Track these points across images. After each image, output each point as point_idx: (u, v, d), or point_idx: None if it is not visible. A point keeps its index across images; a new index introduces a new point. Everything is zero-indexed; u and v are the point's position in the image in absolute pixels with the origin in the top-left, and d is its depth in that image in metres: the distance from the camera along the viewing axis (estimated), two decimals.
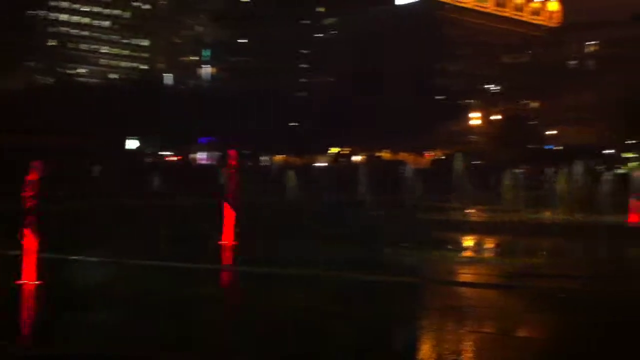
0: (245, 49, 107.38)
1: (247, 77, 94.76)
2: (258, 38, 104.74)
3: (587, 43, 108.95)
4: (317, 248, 17.55)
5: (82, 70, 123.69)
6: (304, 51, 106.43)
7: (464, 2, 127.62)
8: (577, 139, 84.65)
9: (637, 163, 77.45)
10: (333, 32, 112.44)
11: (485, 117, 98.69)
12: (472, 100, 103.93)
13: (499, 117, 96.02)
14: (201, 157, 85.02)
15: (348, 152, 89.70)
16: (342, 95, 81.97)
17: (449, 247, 19.08)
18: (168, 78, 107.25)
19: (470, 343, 9.80)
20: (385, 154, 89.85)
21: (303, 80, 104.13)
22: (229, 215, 17.54)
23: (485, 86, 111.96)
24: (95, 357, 8.75)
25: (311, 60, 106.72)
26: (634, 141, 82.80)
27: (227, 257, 17.00)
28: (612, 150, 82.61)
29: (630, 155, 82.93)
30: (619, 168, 72.85)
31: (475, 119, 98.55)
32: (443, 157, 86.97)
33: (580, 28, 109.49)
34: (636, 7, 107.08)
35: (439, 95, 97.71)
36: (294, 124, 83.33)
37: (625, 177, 43.07)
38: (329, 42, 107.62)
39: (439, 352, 9.36)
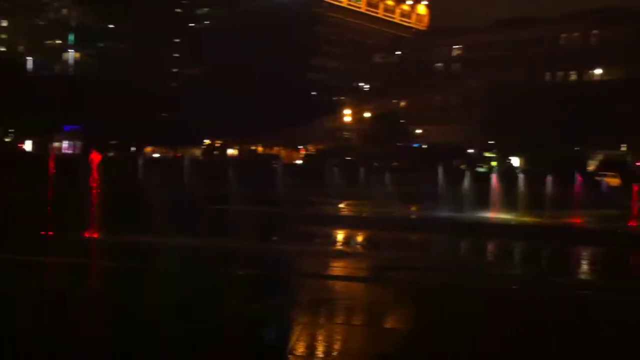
0: (114, 34, 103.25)
1: (116, 64, 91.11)
2: (127, 24, 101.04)
3: (454, 47, 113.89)
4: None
5: None
6: (176, 40, 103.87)
7: (339, 1, 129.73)
8: (443, 138, 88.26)
9: (496, 162, 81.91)
10: (206, 22, 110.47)
11: (357, 115, 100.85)
12: (344, 98, 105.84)
13: (370, 114, 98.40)
14: (65, 146, 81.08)
15: (220, 144, 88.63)
16: (216, 87, 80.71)
17: (315, 240, 19.06)
18: (29, 62, 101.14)
19: (337, 335, 9.82)
20: (260, 148, 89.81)
21: (175, 70, 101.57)
22: None
23: (358, 84, 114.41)
24: None
25: (184, 50, 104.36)
26: (492, 142, 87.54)
27: None
28: (472, 150, 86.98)
29: (490, 154, 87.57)
30: (481, 166, 76.80)
31: (347, 115, 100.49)
32: (314, 153, 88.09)
33: (446, 32, 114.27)
34: (497, 14, 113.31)
35: (312, 91, 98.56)
36: (164, 114, 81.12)
37: (486, 175, 45.51)
38: (202, 32, 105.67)
39: (305, 345, 9.28)
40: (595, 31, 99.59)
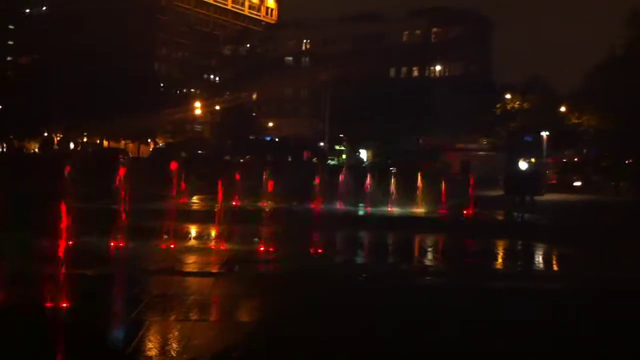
0: None
1: None
2: None
3: (304, 40, 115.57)
4: None
5: None
6: (10, 27, 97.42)
7: None
8: (294, 131, 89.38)
9: (345, 156, 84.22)
10: (42, 8, 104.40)
11: (208, 107, 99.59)
12: (194, 90, 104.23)
13: (220, 107, 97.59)
14: None
15: (60, 137, 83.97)
16: (53, 76, 76.21)
17: (161, 236, 18.56)
18: None
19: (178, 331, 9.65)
20: (106, 142, 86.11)
21: (9, 58, 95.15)
22: None
23: (208, 76, 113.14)
24: None
25: (19, 37, 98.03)
26: (342, 135, 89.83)
27: None
28: (322, 144, 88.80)
29: (340, 147, 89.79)
30: (332, 159, 78.65)
31: (197, 108, 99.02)
32: (163, 146, 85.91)
33: (294, 26, 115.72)
34: (341, 8, 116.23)
35: (159, 82, 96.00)
36: None
37: (336, 168, 46.62)
38: (38, 18, 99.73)
39: (145, 342, 9.01)
40: (435, 29, 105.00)
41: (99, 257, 15.05)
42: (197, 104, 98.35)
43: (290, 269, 15.02)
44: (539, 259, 18.94)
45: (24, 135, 78.24)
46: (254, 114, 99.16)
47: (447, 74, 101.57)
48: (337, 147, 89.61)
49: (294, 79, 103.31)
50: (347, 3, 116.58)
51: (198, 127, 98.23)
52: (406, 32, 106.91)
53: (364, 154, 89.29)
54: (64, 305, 10.28)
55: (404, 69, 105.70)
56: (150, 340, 9.23)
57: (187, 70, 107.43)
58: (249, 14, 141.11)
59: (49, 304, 10.27)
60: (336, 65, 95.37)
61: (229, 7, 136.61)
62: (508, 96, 78.70)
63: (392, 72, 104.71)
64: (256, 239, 17.50)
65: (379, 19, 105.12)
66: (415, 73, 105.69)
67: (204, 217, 23.81)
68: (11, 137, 76.89)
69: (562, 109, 73.19)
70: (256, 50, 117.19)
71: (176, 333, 9.64)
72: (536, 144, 67.79)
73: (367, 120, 79.86)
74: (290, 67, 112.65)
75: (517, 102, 77.23)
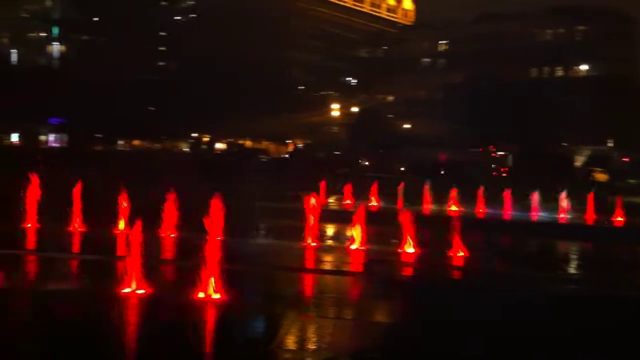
0: (99, 27, 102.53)
1: (101, 57, 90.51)
2: (112, 17, 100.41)
3: (440, 41, 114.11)
4: None
5: None
6: (162, 33, 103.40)
7: None
8: (428, 133, 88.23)
9: None
10: (192, 15, 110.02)
11: (342, 109, 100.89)
12: (328, 92, 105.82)
13: (355, 109, 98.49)
14: (51, 139, 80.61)
15: (208, 139, 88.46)
16: (199, 81, 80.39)
17: (297, 235, 19.09)
18: (13, 54, 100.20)
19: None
20: (247, 142, 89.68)
21: (161, 63, 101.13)
22: None
23: (344, 78, 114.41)
24: None
25: (169, 43, 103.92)
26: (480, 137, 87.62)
27: None
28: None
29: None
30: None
31: (333, 110, 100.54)
32: (300, 147, 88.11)
33: (430, 26, 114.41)
34: (480, 6, 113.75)
35: (297, 85, 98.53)
36: (151, 108, 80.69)
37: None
38: (187, 25, 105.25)
39: (286, 338, 9.49)
40: (576, 27, 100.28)
41: (243, 254, 15.83)
42: (333, 106, 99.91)
43: (428, 274, 15.01)
44: None
45: (175, 136, 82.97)
46: (389, 116, 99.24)
47: (594, 73, 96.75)
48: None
49: (429, 80, 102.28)
50: (484, 2, 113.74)
51: (334, 129, 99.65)
52: (548, 31, 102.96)
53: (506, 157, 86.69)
54: (215, 297, 10.99)
55: (546, 69, 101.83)
56: (290, 336, 9.65)
57: (323, 73, 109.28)
58: (385, 16, 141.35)
59: (199, 297, 11.00)
60: (473, 66, 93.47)
61: (366, 9, 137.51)
62: None
63: (534, 72, 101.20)
64: (395, 241, 17.53)
65: (517, 17, 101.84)
66: (560, 73, 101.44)
67: (342, 217, 24.16)
68: (163, 138, 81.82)
69: None
70: (391, 52, 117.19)
71: (315, 330, 10.01)
72: None
73: (508, 122, 77.64)
74: (425, 68, 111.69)
75: None
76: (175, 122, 75.74)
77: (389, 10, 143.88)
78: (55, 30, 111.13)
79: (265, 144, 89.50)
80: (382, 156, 71.16)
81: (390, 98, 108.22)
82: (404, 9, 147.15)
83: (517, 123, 77.38)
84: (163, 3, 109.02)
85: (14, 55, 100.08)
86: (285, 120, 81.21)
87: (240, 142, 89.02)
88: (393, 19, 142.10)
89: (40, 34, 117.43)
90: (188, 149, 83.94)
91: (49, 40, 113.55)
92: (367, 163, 69.70)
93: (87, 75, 77.24)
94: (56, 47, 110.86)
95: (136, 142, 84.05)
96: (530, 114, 78.93)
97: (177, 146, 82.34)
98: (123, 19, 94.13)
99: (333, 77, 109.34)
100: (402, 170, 58.23)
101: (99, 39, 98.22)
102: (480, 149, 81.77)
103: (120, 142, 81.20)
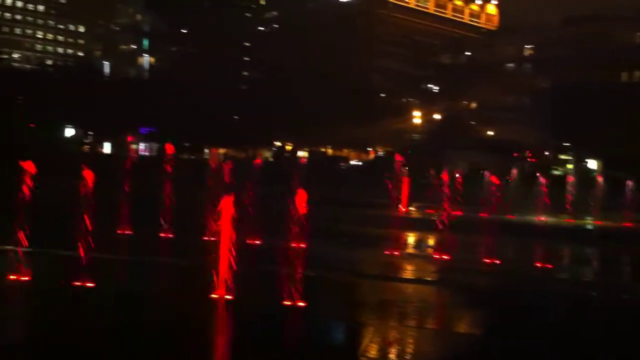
0: (186, 39, 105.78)
1: (187, 67, 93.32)
2: (198, 28, 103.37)
3: (525, 45, 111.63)
4: None
5: (16, 56, 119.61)
6: (247, 44, 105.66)
7: (406, 2, 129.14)
8: (514, 140, 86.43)
9: (572, 166, 79.85)
10: (275, 25, 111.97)
11: (424, 116, 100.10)
12: (410, 99, 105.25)
13: (439, 116, 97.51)
14: (141, 147, 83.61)
15: (291, 147, 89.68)
16: (282, 90, 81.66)
17: (379, 243, 19.14)
18: (106, 66, 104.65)
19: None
20: (329, 150, 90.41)
21: (245, 73, 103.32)
22: None
23: (425, 85, 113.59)
24: None
25: (252, 53, 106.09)
26: (567, 144, 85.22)
27: None
28: (547, 152, 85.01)
29: (565, 157, 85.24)
30: (556, 169, 75.03)
31: (415, 117, 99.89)
32: (381, 154, 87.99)
33: (514, 31, 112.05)
34: (566, 9, 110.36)
35: (378, 93, 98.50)
36: (235, 117, 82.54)
37: (561, 179, 44.62)
38: (270, 35, 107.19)
39: (369, 345, 9.60)
40: None
41: (324, 261, 16.01)
42: (415, 114, 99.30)
43: (511, 283, 14.81)
44: None
45: (258, 144, 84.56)
46: (472, 122, 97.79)
47: None
48: (561, 157, 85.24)
49: (514, 86, 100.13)
50: (570, 5, 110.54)
51: (416, 136, 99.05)
52: (639, 33, 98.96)
53: (593, 164, 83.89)
54: (300, 304, 11.21)
55: (637, 73, 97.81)
56: (373, 344, 9.76)
57: (405, 80, 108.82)
58: (468, 22, 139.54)
59: (285, 302, 11.23)
60: (559, 71, 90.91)
61: (448, 15, 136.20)
62: None
63: (624, 76, 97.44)
64: (479, 249, 17.34)
65: (604, 20, 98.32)
66: None
67: (423, 225, 24.06)
68: (247, 146, 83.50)
69: None
70: (475, 58, 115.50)
71: (397, 338, 10.07)
72: None
73: (599, 128, 75.03)
74: (510, 73, 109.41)
75: None
76: (259, 130, 77.13)
77: (472, 15, 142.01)
78: (145, 43, 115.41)
79: (346, 152, 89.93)
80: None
81: (474, 104, 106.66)
82: (487, 14, 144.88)
83: (606, 130, 74.68)
84: (247, 15, 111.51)
85: (106, 67, 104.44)
86: (367, 127, 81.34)
87: (322, 149, 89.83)
88: (476, 25, 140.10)
89: (131, 46, 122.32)
90: (271, 157, 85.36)
91: (139, 52, 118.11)
92: (457, 175, 68.88)
93: (175, 85, 79.78)
94: (146, 59, 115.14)
95: (222, 151, 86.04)
96: (620, 120, 75.99)
97: (260, 154, 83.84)
98: (209, 31, 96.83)
99: (415, 84, 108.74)
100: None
101: (186, 50, 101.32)
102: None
103: (206, 151, 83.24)
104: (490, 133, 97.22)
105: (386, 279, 14.86)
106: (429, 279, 15.23)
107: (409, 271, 16.33)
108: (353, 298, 12.62)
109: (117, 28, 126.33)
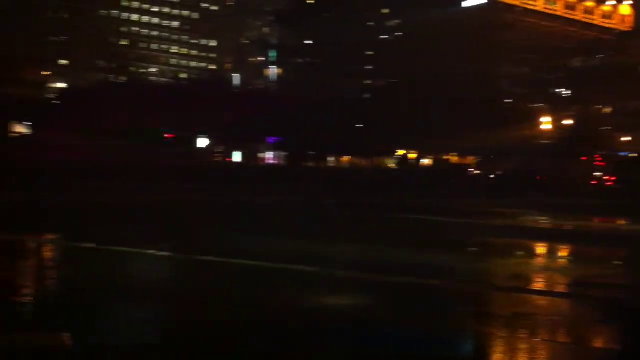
0: (311, 50, 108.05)
1: (313, 78, 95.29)
2: (323, 39, 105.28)
3: None
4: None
5: (153, 70, 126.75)
6: (369, 53, 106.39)
7: (534, 5, 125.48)
8: None
9: None
10: (398, 34, 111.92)
11: (555, 122, 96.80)
12: (538, 105, 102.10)
13: (570, 122, 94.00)
14: (269, 156, 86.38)
15: (416, 155, 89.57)
16: (404, 97, 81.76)
17: (514, 253, 18.96)
18: (236, 78, 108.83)
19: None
20: (453, 157, 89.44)
21: (368, 82, 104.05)
22: None
23: (555, 90, 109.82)
24: None
25: (375, 62, 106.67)
26: None
27: None
28: None
29: None
30: None
31: (545, 123, 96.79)
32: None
33: None
34: None
35: (506, 99, 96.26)
36: (359, 125, 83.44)
37: None
38: (393, 43, 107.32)
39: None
40: None
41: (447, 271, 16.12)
42: (544, 119, 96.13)
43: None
44: None
45: (381, 153, 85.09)
46: (606, 128, 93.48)
47: None
48: None
49: None
50: None
51: (545, 142, 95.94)
52: None
53: None
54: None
55: None
56: (503, 357, 9.74)
57: (533, 85, 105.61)
58: (600, 23, 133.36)
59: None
60: None
61: (578, 17, 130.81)
62: None
63: None
64: (618, 262, 16.80)
65: None
66: None
67: (557, 235, 23.49)
68: (371, 154, 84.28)
69: None
70: (608, 60, 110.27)
71: (523, 352, 9.97)
72: None
73: None
74: None
75: None
76: (383, 138, 77.58)
77: (604, 16, 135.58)
78: (273, 55, 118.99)
79: (470, 159, 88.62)
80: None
81: (608, 109, 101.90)
82: (621, 15, 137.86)
83: None
84: (370, 24, 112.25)
85: (236, 79, 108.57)
86: (494, 134, 79.76)
87: (446, 157, 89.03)
88: (609, 26, 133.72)
89: (259, 59, 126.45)
90: (394, 165, 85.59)
91: (267, 64, 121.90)
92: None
93: (301, 95, 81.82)
94: (273, 71, 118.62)
95: (345, 159, 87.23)
96: None
97: (383, 162, 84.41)
98: (333, 41, 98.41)
99: (544, 88, 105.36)
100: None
101: (312, 61, 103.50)
102: None
103: (330, 159, 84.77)
104: (627, 139, 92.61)
105: (516, 291, 14.77)
106: (561, 291, 14.98)
107: (540, 282, 16.07)
108: (479, 310, 12.65)
109: (247, 41, 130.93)
